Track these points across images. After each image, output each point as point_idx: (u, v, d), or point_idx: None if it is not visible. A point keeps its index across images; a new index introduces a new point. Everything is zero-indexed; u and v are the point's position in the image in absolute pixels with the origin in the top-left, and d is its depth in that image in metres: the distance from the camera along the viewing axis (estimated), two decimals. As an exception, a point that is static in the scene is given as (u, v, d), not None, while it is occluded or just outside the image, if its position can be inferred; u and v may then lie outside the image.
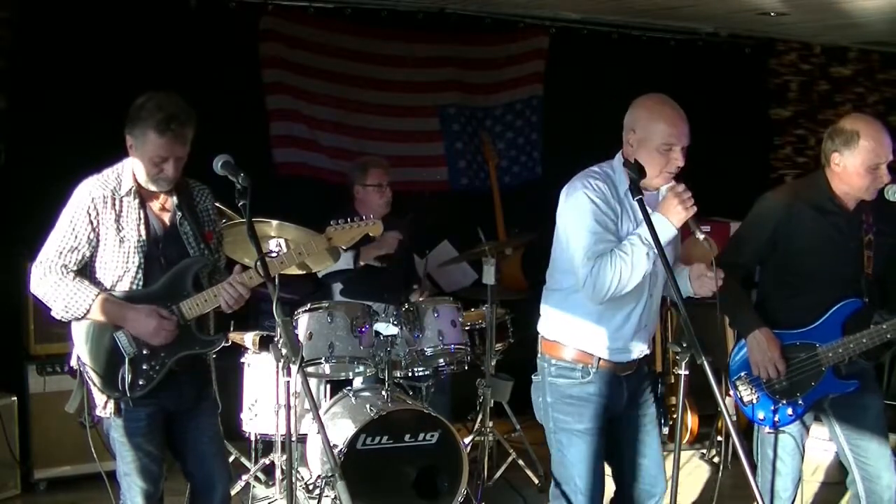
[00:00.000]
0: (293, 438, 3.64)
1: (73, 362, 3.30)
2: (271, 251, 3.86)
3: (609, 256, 3.07)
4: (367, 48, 6.25)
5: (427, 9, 6.22)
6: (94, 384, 3.22)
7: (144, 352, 3.21)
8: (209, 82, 5.57)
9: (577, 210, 3.15)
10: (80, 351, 3.24)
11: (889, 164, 3.57)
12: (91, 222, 3.19)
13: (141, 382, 3.21)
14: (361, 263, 4.94)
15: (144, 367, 3.22)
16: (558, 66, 6.69)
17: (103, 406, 3.24)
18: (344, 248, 3.68)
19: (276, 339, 3.49)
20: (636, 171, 3.03)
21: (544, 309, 3.40)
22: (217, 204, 4.50)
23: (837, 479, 4.79)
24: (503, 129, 6.74)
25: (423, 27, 6.28)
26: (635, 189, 2.99)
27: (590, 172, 3.24)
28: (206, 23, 5.65)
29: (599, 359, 3.27)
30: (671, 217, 3.04)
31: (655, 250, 2.99)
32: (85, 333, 3.23)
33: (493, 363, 4.94)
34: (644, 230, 3.02)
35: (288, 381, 3.85)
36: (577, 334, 3.29)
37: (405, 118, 6.43)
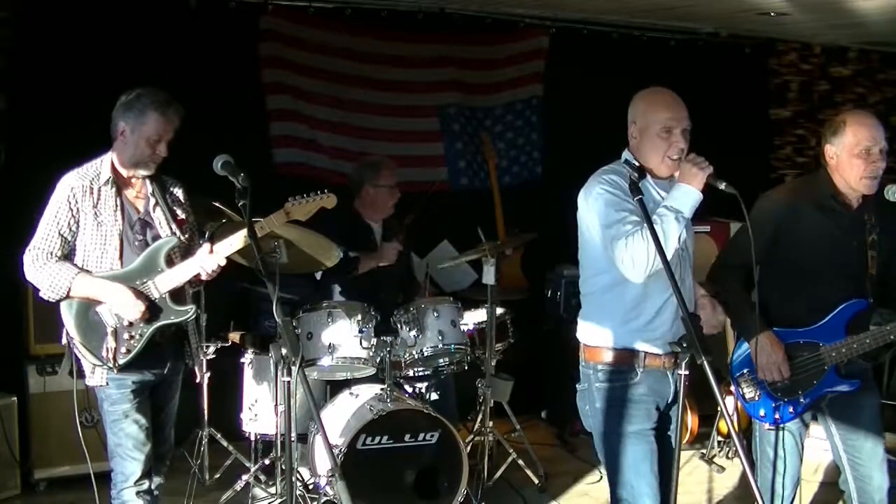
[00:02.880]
0: (293, 438, 3.64)
1: (64, 338, 3.58)
2: (271, 251, 3.88)
3: (640, 230, 3.03)
4: (367, 48, 6.25)
5: (427, 9, 6.22)
6: (83, 355, 3.51)
7: (124, 323, 3.49)
8: (209, 82, 5.57)
9: (597, 205, 3.16)
10: (68, 325, 3.52)
11: (888, 165, 3.57)
12: (71, 210, 3.48)
13: (123, 351, 3.49)
14: (360, 272, 4.94)
15: (125, 336, 3.50)
16: (558, 66, 6.69)
17: (91, 373, 3.53)
18: (302, 219, 3.84)
19: (276, 339, 3.51)
20: (636, 171, 3.03)
21: (582, 315, 3.36)
22: (216, 204, 4.55)
23: (837, 479, 4.79)
24: (503, 129, 6.74)
25: (423, 27, 6.28)
26: (635, 189, 2.98)
27: (602, 171, 3.26)
28: (206, 23, 5.66)
29: (645, 354, 3.22)
30: (691, 181, 3.08)
31: (684, 214, 3.06)
32: (70, 310, 3.51)
33: (493, 363, 4.95)
34: (667, 202, 3.09)
35: (288, 381, 3.84)
36: (617, 333, 3.24)
37: (405, 118, 6.43)
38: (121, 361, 3.48)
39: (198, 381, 3.85)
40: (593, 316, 3.32)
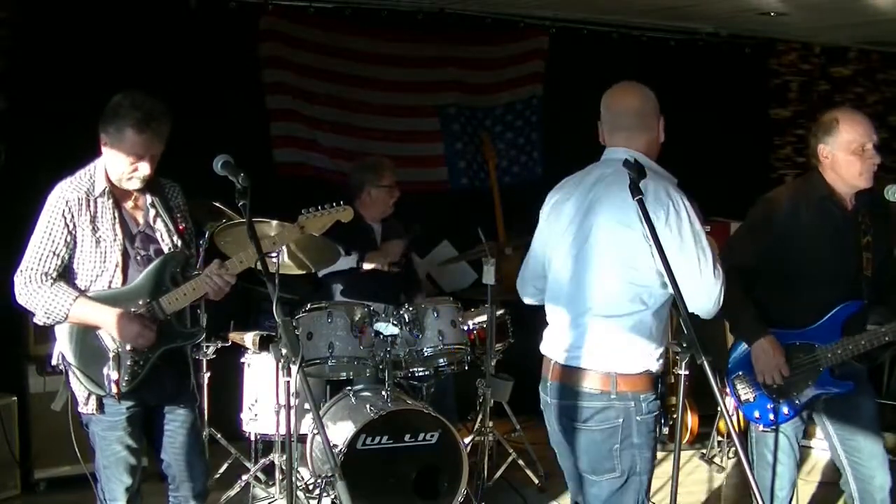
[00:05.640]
0: (293, 438, 3.64)
1: (55, 360, 3.35)
2: (271, 251, 3.87)
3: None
4: (367, 48, 6.25)
5: (427, 9, 6.23)
6: (80, 382, 3.27)
7: (128, 348, 3.25)
8: (209, 82, 5.57)
9: (692, 219, 2.91)
10: (65, 350, 3.29)
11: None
12: (67, 226, 3.23)
13: (126, 378, 3.25)
14: (365, 268, 4.95)
15: (128, 362, 3.26)
16: (558, 66, 6.69)
17: (85, 402, 3.31)
18: (316, 234, 3.70)
19: (276, 339, 3.50)
20: (636, 172, 3.00)
21: (619, 340, 2.96)
22: (217, 204, 4.55)
23: (834, 479, 4.78)
24: (503, 129, 6.74)
25: (423, 27, 6.28)
26: (635, 189, 2.94)
27: (664, 178, 2.98)
28: (206, 23, 5.66)
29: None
30: None
31: None
32: (68, 333, 3.28)
33: (493, 363, 4.94)
34: None
35: (288, 381, 3.85)
36: (655, 357, 3.00)
37: (405, 118, 6.43)
38: (123, 389, 3.23)
39: (196, 403, 3.60)
40: (641, 340, 2.97)
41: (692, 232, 2.90)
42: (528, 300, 3.40)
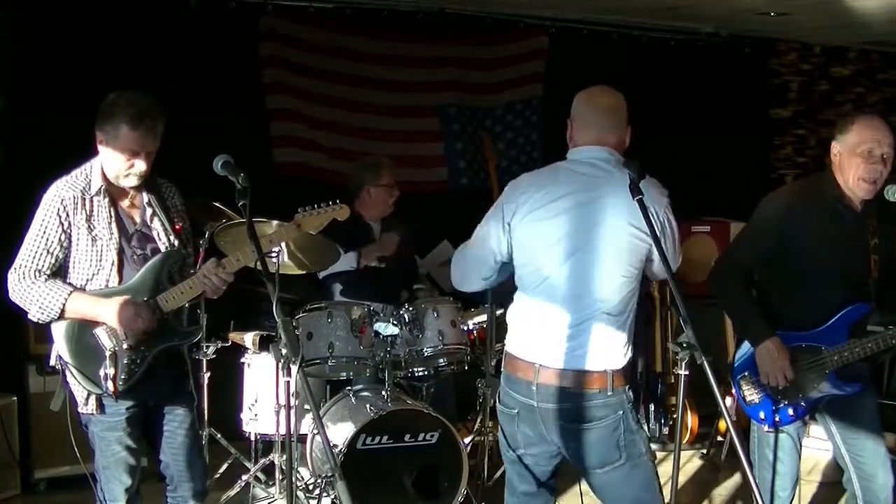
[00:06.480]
0: (293, 438, 3.63)
1: (53, 361, 3.34)
2: (271, 251, 3.87)
3: None
4: (367, 48, 6.25)
5: (427, 9, 6.23)
6: (78, 381, 3.27)
7: (125, 346, 3.25)
8: (209, 82, 5.57)
9: (671, 214, 3.11)
10: (61, 350, 3.28)
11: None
12: (62, 224, 3.24)
13: (123, 377, 3.25)
14: (363, 264, 4.96)
15: (125, 361, 3.26)
16: (558, 66, 6.69)
17: (85, 402, 3.31)
18: (313, 232, 3.72)
19: (276, 339, 3.50)
20: (636, 172, 3.00)
21: (616, 338, 3.07)
22: (216, 204, 4.55)
23: (835, 478, 4.79)
24: (503, 129, 6.74)
25: (423, 27, 6.29)
26: (635, 189, 2.95)
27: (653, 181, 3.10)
28: (205, 23, 5.66)
29: None
30: None
31: None
32: (65, 332, 3.27)
33: (493, 363, 4.94)
34: None
35: (288, 381, 3.85)
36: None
37: (405, 118, 6.43)
38: (120, 388, 3.23)
39: (194, 404, 3.60)
40: (624, 337, 3.10)
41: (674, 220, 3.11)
42: (471, 289, 3.40)
